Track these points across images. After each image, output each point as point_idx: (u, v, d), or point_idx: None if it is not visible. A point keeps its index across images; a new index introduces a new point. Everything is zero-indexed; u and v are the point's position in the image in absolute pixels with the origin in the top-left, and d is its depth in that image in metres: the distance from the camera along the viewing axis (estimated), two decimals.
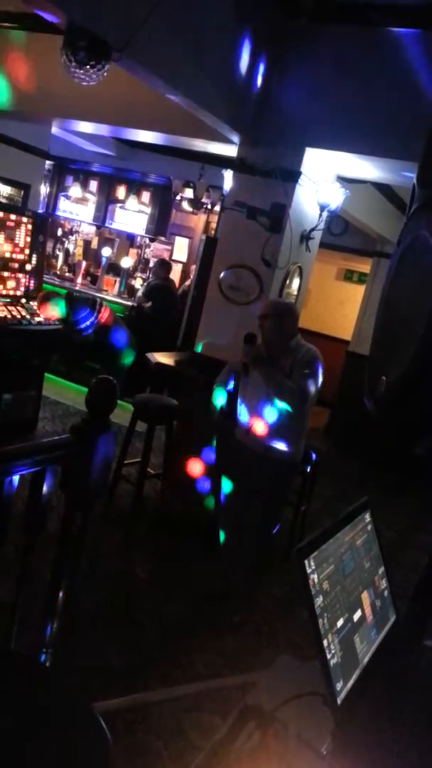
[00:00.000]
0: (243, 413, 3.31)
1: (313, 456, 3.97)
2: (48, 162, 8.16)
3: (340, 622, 1.16)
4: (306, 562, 1.09)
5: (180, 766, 2.21)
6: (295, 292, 4.26)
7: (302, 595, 1.08)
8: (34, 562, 1.84)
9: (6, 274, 4.78)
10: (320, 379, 3.16)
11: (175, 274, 7.92)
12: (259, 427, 3.16)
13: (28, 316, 4.78)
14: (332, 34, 3.68)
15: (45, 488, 1.78)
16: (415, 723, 1.15)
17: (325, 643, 1.10)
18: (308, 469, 4.05)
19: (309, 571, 1.10)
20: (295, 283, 4.24)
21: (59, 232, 8.97)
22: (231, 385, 3.37)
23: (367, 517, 1.40)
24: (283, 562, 3.87)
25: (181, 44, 3.04)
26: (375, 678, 1.20)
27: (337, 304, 9.64)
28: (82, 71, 2.69)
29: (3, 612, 1.87)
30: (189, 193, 7.48)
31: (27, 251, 4.91)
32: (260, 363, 3.11)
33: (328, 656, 1.09)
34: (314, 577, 1.11)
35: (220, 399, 3.38)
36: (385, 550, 1.42)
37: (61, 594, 1.94)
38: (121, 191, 8.23)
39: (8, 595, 1.85)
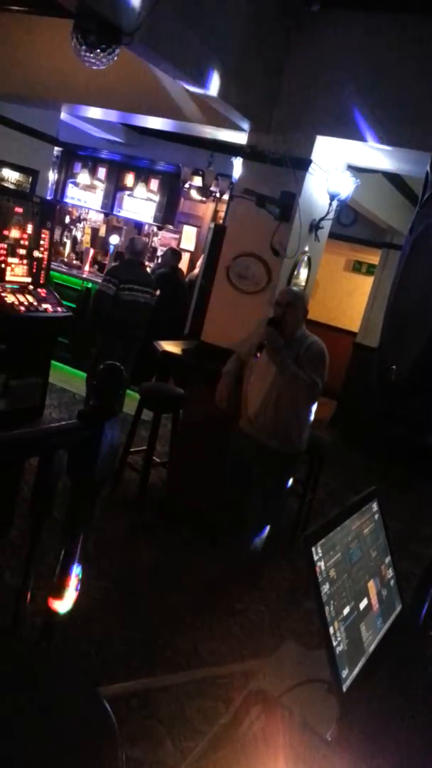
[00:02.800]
0: (249, 401, 3.31)
1: (318, 447, 3.96)
2: (57, 148, 8.11)
3: (346, 610, 1.16)
4: (313, 549, 1.09)
5: (183, 752, 2.23)
6: (304, 282, 4.23)
7: (309, 583, 1.08)
8: (40, 548, 1.85)
9: (13, 260, 4.77)
10: (326, 373, 3.17)
11: (183, 262, 7.90)
12: None
13: (35, 303, 4.78)
14: (345, 20, 3.62)
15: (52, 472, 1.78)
16: (420, 711, 1.15)
17: (331, 630, 1.10)
18: (313, 460, 4.05)
19: (316, 558, 1.10)
20: (304, 273, 4.21)
21: (67, 219, 8.95)
22: None
23: (375, 506, 1.40)
24: (287, 551, 3.88)
25: (192, 29, 3.00)
26: (380, 666, 1.20)
27: (345, 296, 9.59)
28: (92, 55, 2.66)
29: (10, 596, 1.89)
30: (198, 181, 7.44)
31: (34, 238, 4.90)
32: (278, 350, 3.09)
33: (334, 644, 1.10)
34: (321, 564, 1.11)
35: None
36: (392, 540, 1.41)
37: (66, 579, 1.95)
38: (129, 179, 8.19)
39: (15, 580, 1.86)
